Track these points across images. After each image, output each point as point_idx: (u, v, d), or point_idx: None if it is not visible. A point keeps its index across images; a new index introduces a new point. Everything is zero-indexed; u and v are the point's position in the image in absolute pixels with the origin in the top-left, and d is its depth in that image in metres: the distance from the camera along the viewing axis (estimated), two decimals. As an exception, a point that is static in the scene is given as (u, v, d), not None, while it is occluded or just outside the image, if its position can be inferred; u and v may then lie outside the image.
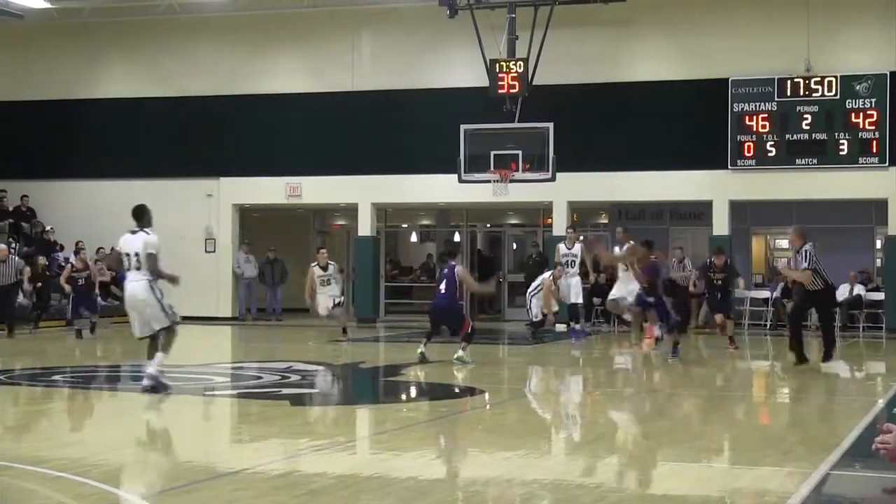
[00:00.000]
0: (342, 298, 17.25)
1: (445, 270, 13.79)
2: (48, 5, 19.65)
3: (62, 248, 20.49)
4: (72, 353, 16.07)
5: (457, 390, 11.97)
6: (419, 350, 13.60)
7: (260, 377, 12.97)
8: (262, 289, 22.55)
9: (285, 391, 11.63)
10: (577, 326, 16.84)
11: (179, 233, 19.90)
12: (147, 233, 9.54)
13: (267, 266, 21.93)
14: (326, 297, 16.43)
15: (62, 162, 22.03)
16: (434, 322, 13.81)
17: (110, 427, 9.43)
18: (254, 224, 22.98)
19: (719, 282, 15.12)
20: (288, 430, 8.66)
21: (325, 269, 16.50)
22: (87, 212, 21.57)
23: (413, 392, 12.51)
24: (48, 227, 21.04)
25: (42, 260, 19.19)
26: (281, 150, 20.96)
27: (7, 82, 23.04)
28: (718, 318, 15.19)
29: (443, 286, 13.18)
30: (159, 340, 9.47)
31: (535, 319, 16.86)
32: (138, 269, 9.38)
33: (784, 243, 19.89)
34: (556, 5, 17.91)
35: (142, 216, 9.72)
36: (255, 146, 21.01)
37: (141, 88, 22.14)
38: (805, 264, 11.51)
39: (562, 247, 16.97)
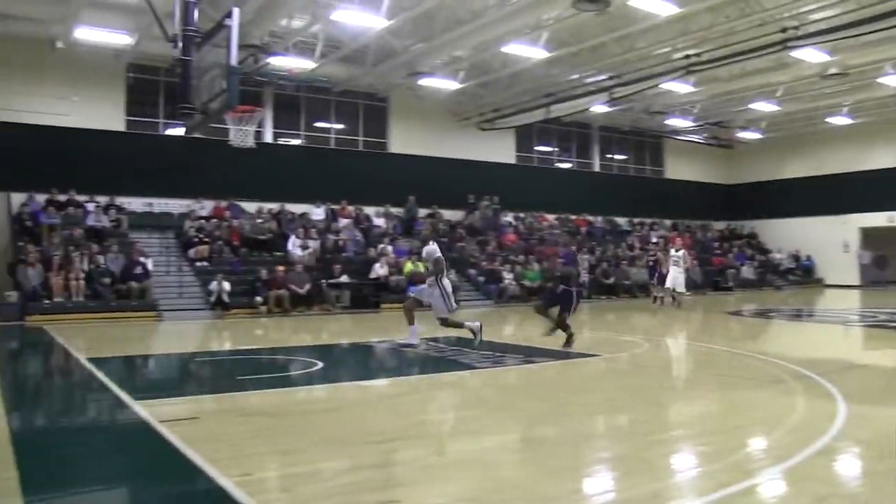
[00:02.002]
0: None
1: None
2: (759, 136, 33.58)
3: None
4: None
5: None
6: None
7: (875, 317, 16.79)
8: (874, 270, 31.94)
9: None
10: None
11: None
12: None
13: (878, 258, 31.92)
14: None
15: (772, 209, 34.53)
16: None
17: (792, 337, 14.19)
18: (870, 235, 31.82)
19: None
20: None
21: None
22: (796, 235, 33.90)
23: None
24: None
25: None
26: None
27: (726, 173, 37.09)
28: None
29: None
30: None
31: None
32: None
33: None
34: None
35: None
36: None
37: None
38: None
39: None
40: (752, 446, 5.69)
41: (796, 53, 21.12)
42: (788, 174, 34.58)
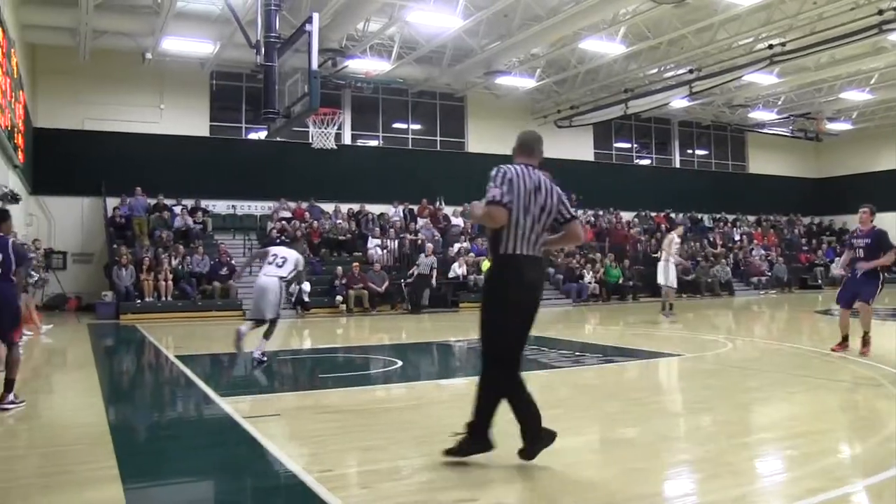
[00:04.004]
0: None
1: None
2: (850, 126, 32.55)
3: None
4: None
5: None
6: None
7: None
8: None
9: None
10: None
11: None
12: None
13: None
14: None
15: (865, 203, 34.38)
16: None
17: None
18: None
19: (861, 252, 9.74)
20: None
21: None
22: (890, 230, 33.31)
23: None
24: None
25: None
26: None
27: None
28: (857, 304, 9.72)
29: None
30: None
31: None
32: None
33: None
34: None
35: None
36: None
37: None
38: None
39: None
40: (844, 453, 5.47)
41: (894, 37, 20.02)
42: (882, 166, 33.19)
